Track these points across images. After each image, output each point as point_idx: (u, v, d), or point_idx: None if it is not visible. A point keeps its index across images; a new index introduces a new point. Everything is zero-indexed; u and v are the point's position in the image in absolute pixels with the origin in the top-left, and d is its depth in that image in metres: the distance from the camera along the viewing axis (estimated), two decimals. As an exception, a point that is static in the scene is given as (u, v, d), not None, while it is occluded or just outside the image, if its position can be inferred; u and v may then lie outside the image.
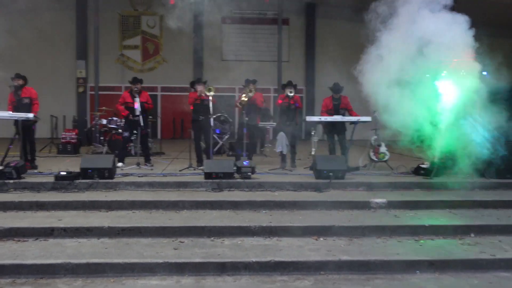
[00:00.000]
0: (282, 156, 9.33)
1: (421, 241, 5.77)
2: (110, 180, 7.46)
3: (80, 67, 19.18)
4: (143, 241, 5.52)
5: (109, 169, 7.47)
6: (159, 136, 18.24)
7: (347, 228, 5.96)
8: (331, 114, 9.21)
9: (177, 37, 19.52)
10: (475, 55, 7.76)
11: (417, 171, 8.58)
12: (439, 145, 8.32)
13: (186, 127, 16.42)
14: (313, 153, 9.47)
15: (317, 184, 7.68)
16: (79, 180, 7.32)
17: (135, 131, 9.23)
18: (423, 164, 8.53)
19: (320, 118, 9.05)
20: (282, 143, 9.20)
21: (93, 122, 12.10)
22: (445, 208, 6.91)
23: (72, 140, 11.55)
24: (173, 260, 4.89)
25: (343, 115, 9.31)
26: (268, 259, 4.98)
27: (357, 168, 9.22)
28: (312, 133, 9.54)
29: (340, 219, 6.26)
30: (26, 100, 8.71)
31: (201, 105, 9.25)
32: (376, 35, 7.63)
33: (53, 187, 7.18)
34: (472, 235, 6.00)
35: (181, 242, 5.53)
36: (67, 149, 11.36)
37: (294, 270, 4.95)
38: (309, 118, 9.07)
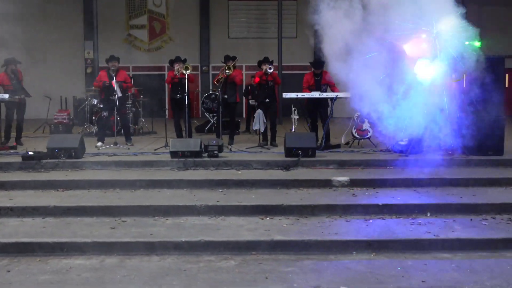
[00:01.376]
0: (262, 134, 9.17)
1: (370, 221, 5.56)
2: (77, 160, 7.51)
3: (88, 48, 19.35)
4: (86, 220, 5.54)
5: (75, 148, 7.51)
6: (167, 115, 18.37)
7: (297, 207, 5.82)
8: (312, 90, 8.96)
9: (183, 16, 19.61)
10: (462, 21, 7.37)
11: (396, 148, 8.27)
12: (417, 120, 8.01)
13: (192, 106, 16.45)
14: (293, 130, 9.28)
15: (285, 163, 7.52)
16: (46, 160, 7.40)
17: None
18: (401, 140, 8.21)
19: (297, 95, 8.80)
20: (259, 120, 9.02)
21: (86, 102, 12.20)
22: (412, 186, 6.65)
23: (64, 121, 11.72)
24: (101, 240, 4.89)
25: (325, 91, 9.03)
26: (198, 238, 4.92)
27: (338, 146, 9.01)
28: (293, 110, 9.32)
29: (294, 198, 6.11)
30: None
31: (178, 83, 9.18)
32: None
33: (20, 167, 7.29)
34: (428, 214, 5.76)
35: (123, 221, 5.52)
36: (59, 129, 11.52)
37: (225, 250, 4.86)
38: (286, 95, 8.83)
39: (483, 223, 5.45)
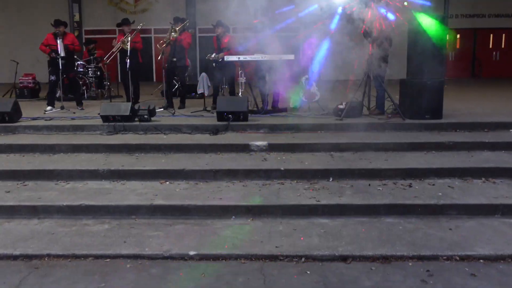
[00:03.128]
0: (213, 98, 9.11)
1: (268, 186, 5.53)
2: (11, 124, 7.61)
3: (74, 11, 19.27)
4: (-11, 183, 5.67)
5: (8, 112, 7.60)
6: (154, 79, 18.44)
7: (199, 172, 5.82)
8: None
9: (168, -25, 19.22)
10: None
11: (335, 111, 8.12)
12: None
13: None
14: (240, 94, 9.17)
15: (215, 127, 7.48)
16: (-21, 124, 7.52)
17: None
18: (341, 104, 8.04)
19: (239, 58, 8.64)
20: (203, 84, 8.95)
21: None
22: (330, 151, 6.56)
23: (29, 85, 11.83)
24: (-14, 202, 5.01)
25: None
26: (79, 203, 4.99)
27: (284, 110, 8.91)
28: (239, 73, 9.17)
29: (202, 162, 6.10)
30: None
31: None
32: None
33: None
34: (331, 179, 5.69)
35: (24, 185, 5.64)
36: (24, 94, 11.65)
37: (106, 214, 4.94)
38: (228, 58, 8.68)
39: (378, 188, 5.36)
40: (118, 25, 9.56)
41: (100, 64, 11.87)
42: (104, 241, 4.36)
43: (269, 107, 8.78)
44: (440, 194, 5.13)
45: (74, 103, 9.58)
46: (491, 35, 18.68)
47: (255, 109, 8.65)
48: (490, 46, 18.74)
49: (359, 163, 5.99)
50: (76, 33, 19.28)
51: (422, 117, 7.56)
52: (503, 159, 6.09)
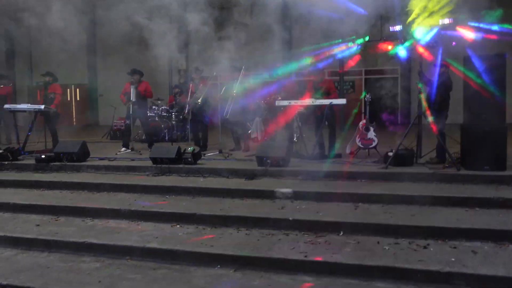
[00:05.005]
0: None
1: (268, 236, 5.31)
2: (78, 163, 8.43)
3: (180, 60, 20.99)
4: (32, 216, 6.32)
5: (75, 153, 8.45)
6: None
7: (210, 217, 5.82)
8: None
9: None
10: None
11: (385, 159, 7.56)
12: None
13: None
14: (295, 139, 9.07)
15: (253, 172, 7.46)
16: (53, 163, 8.47)
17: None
18: (390, 152, 7.49)
19: (289, 102, 8.58)
20: (257, 128, 9.03)
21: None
22: (358, 202, 6.10)
23: (122, 128, 13.03)
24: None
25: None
26: (83, 240, 5.29)
27: (338, 155, 8.57)
28: (295, 118, 9.08)
29: (221, 207, 6.10)
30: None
31: None
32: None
33: (35, 168, 8.49)
34: (341, 233, 5.27)
35: (56, 220, 6.21)
36: (116, 135, 12.86)
37: (105, 253, 5.17)
38: (279, 103, 8.66)
39: (386, 247, 4.81)
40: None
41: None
42: (83, 279, 4.55)
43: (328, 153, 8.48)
44: (453, 259, 4.43)
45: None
46: None
47: (304, 154, 8.44)
48: None
49: (378, 217, 5.46)
50: (182, 80, 20.94)
51: (481, 168, 6.68)
52: (560, 222, 5.07)
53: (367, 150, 8.72)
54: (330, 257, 4.59)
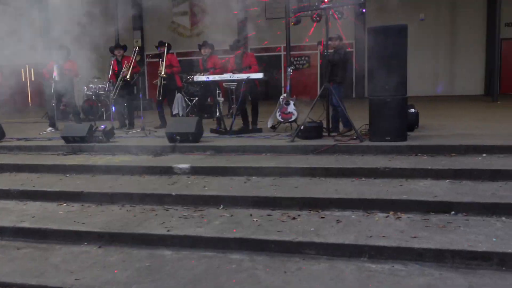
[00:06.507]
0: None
1: (147, 212, 5.26)
2: None
3: (136, 37, 20.63)
4: None
5: None
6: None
7: (98, 195, 5.74)
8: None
9: (221, -1, 19.70)
10: None
11: (297, 133, 7.52)
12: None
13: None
14: (218, 115, 8.97)
15: (162, 148, 7.37)
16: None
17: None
18: (302, 126, 7.45)
19: (208, 78, 8.46)
20: (178, 104, 8.91)
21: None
22: (252, 175, 6.08)
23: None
24: None
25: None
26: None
27: (259, 130, 8.52)
28: (217, 93, 8.97)
29: (113, 184, 6.03)
30: None
31: None
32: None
33: None
34: (221, 206, 5.24)
35: None
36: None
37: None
38: (197, 78, 8.54)
39: (254, 219, 4.79)
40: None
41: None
42: None
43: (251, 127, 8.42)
44: (312, 229, 4.43)
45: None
46: None
47: (222, 129, 8.37)
48: None
49: (261, 190, 5.43)
50: (138, 58, 20.56)
51: (383, 139, 6.68)
52: (436, 190, 5.08)
53: (288, 124, 8.68)
54: (193, 231, 4.56)
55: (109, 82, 9.84)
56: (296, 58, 18.86)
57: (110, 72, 9.85)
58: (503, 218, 4.50)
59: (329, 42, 7.49)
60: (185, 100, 10.13)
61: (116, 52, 9.91)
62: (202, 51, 9.32)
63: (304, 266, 3.94)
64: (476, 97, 15.89)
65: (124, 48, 10.08)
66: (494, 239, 3.97)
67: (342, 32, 8.02)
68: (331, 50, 7.76)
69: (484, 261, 3.78)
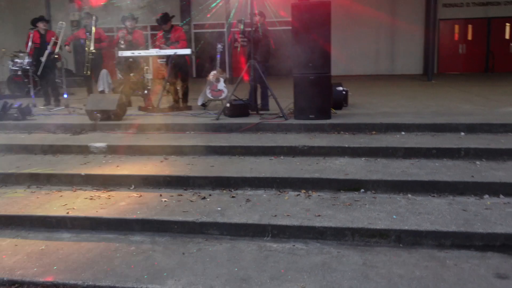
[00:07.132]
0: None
1: (50, 194, 4.99)
2: None
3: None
4: None
5: None
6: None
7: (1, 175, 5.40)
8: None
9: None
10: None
11: (223, 111, 7.36)
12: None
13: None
14: (146, 92, 8.66)
15: (82, 126, 7.04)
16: None
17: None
18: (228, 104, 7.29)
19: (133, 53, 8.12)
20: (104, 81, 8.53)
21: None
22: (170, 154, 5.90)
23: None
24: None
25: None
26: None
27: (189, 108, 8.30)
28: (146, 69, 8.64)
29: (23, 164, 5.68)
30: None
31: None
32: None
33: None
34: (133, 187, 5.04)
35: None
36: None
37: None
38: (121, 53, 8.17)
39: (164, 200, 4.63)
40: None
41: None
42: None
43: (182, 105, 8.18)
44: (219, 209, 4.32)
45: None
46: (507, 24, 16.68)
47: (150, 107, 8.10)
48: (507, 37, 16.75)
49: (175, 169, 5.26)
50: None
51: (307, 117, 6.64)
52: (349, 168, 5.08)
53: (219, 102, 8.51)
54: (95, 213, 4.35)
55: (30, 56, 9.26)
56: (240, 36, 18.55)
57: (30, 45, 9.25)
58: (409, 195, 4.56)
59: (255, 18, 7.32)
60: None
61: (40, 24, 9.30)
62: (129, 24, 8.88)
63: (205, 247, 3.84)
64: (415, 76, 16.22)
65: (48, 21, 9.50)
66: (394, 216, 4.00)
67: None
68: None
69: (382, 239, 3.80)
